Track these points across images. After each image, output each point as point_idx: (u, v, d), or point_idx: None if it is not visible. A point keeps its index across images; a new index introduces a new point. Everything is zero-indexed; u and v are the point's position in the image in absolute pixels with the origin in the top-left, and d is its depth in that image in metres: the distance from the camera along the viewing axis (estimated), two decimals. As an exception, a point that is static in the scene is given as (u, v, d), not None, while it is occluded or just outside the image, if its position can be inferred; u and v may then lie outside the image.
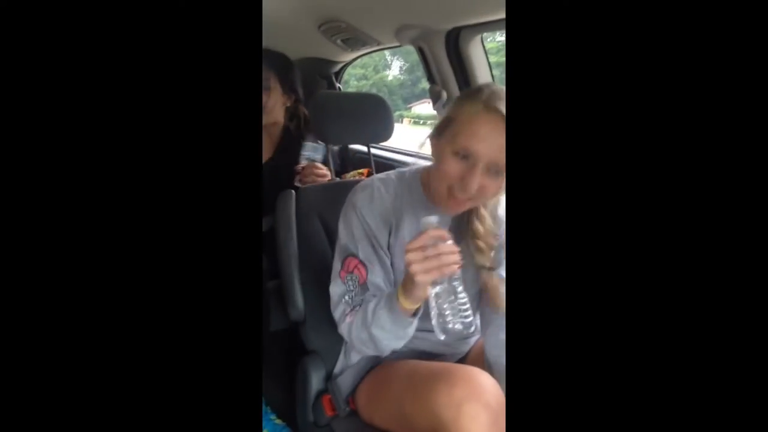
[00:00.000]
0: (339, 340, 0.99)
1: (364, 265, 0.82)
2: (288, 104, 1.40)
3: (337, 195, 1.03)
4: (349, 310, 0.82)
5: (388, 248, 0.84)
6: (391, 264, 0.85)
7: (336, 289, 0.85)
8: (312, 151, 1.28)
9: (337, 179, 1.37)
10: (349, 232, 0.84)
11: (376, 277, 0.82)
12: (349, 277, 0.82)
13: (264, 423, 1.19)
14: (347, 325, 0.82)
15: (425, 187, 0.85)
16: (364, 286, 0.82)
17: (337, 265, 0.85)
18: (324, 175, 1.24)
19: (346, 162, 1.61)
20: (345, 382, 0.92)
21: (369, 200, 0.84)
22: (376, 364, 0.93)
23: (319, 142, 1.30)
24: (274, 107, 1.36)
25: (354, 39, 1.53)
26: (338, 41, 1.56)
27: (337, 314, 0.84)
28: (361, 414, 0.90)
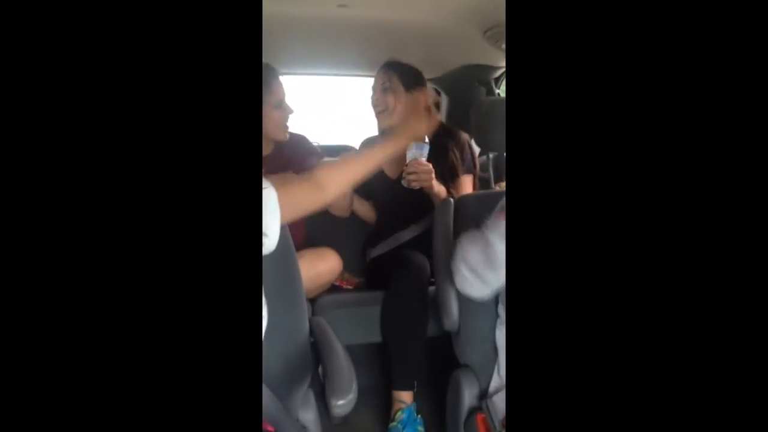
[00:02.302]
0: (493, 355, 0.95)
1: None
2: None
3: (493, 204, 0.99)
4: None
5: None
6: None
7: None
8: (417, 149, 1.32)
9: (496, 188, 1.33)
10: None
11: None
12: None
13: (410, 428, 1.20)
14: None
15: None
16: None
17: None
18: (429, 171, 1.26)
19: (500, 171, 1.55)
20: (501, 403, 0.88)
21: None
22: None
23: (426, 141, 1.33)
24: (396, 108, 1.43)
25: (519, 43, 1.47)
26: (503, 46, 1.51)
27: None
28: None
